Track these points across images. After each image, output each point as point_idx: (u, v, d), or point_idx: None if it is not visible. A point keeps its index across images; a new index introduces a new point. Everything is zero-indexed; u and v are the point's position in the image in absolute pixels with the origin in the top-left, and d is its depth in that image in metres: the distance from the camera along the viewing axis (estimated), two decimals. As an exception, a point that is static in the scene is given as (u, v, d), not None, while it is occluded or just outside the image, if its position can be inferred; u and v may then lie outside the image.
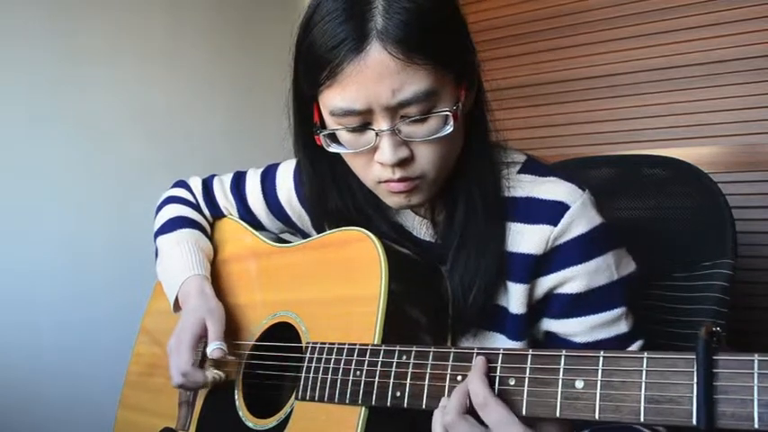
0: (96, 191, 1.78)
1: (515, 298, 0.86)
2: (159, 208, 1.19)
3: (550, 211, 0.84)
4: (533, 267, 0.85)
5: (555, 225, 0.83)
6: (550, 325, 0.88)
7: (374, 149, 0.80)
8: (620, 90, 1.91)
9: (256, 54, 2.17)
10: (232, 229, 1.16)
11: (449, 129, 0.78)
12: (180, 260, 1.07)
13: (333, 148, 0.83)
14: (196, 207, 1.18)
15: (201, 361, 0.97)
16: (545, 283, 0.86)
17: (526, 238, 0.85)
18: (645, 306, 1.09)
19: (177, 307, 1.05)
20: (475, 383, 0.65)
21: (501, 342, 0.88)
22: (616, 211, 1.22)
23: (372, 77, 0.74)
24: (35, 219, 1.66)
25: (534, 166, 0.89)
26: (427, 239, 0.94)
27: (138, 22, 1.89)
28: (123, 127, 1.85)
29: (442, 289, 0.87)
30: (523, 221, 0.85)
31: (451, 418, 0.65)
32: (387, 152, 0.78)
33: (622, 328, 0.85)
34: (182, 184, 1.22)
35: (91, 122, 1.77)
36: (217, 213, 1.19)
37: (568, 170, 1.30)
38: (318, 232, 1.00)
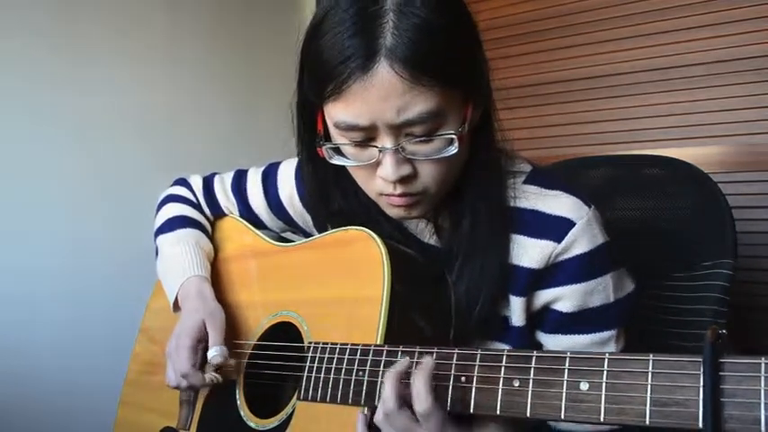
0: (96, 191, 1.77)
1: (517, 310, 0.86)
2: (159, 206, 1.18)
3: (555, 227, 0.83)
4: (531, 281, 0.84)
5: (559, 242, 0.82)
6: (541, 338, 0.89)
7: (377, 164, 0.79)
8: (621, 90, 1.91)
9: (256, 54, 2.16)
10: (233, 228, 1.16)
11: (453, 150, 0.77)
12: (180, 260, 1.06)
13: (335, 161, 0.83)
14: (197, 206, 1.17)
15: (202, 363, 0.97)
16: (542, 297, 0.86)
17: (529, 252, 0.84)
18: (645, 306, 1.09)
19: (177, 307, 1.05)
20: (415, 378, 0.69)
21: None
22: (616, 211, 1.22)
23: (378, 96, 0.73)
24: (35, 218, 1.65)
25: (540, 178, 0.89)
26: (431, 243, 0.93)
27: (138, 22, 1.89)
28: (123, 127, 1.84)
29: (446, 292, 0.87)
30: (527, 234, 0.85)
31: (391, 407, 0.69)
32: (389, 169, 0.77)
33: (611, 349, 0.85)
34: (182, 182, 1.21)
35: (91, 122, 1.77)
36: (218, 212, 1.18)
37: (571, 170, 1.31)
38: (320, 232, 0.99)
